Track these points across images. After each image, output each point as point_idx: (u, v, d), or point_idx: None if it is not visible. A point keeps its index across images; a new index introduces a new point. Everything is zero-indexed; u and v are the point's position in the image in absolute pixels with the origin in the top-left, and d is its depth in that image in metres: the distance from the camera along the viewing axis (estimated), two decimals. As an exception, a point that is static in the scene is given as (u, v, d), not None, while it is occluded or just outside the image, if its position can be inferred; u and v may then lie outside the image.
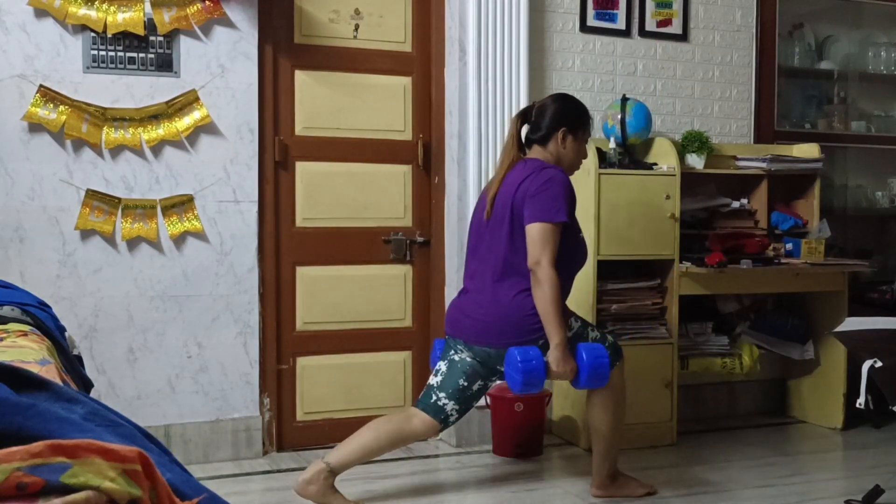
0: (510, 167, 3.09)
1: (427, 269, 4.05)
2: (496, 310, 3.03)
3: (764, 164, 4.19)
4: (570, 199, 3.01)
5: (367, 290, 3.97)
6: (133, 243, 3.54)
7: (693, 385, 4.38)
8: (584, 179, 3.85)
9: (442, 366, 3.16)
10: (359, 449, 3.09)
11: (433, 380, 3.16)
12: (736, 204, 4.25)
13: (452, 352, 3.15)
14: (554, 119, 3.12)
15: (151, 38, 3.53)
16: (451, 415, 3.12)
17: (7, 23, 3.35)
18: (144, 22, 3.48)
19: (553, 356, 2.92)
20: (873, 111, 5.07)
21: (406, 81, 4.00)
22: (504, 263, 3.02)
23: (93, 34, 3.45)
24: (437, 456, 3.83)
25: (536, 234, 2.92)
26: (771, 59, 4.58)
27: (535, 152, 3.15)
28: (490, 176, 3.90)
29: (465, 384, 3.10)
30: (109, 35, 3.46)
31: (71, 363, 2.10)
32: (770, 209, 4.32)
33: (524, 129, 3.18)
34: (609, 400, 3.18)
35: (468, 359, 3.11)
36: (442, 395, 3.11)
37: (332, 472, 3.06)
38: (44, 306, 2.33)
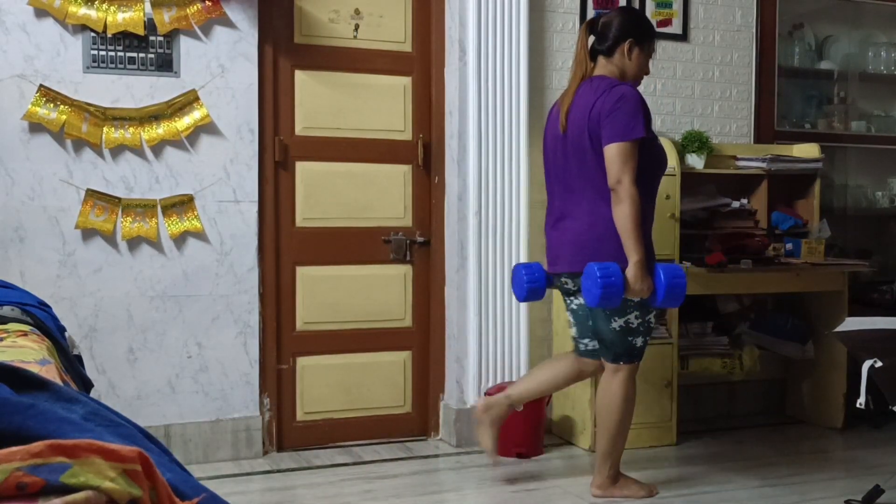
0: (581, 81, 3.15)
1: (427, 269, 4.05)
2: (590, 230, 3.08)
3: (764, 164, 4.19)
4: (645, 112, 3.07)
5: (367, 290, 3.97)
6: (133, 243, 3.54)
7: (693, 385, 4.38)
8: (584, 179, 3.85)
9: (570, 317, 3.33)
10: (537, 387, 3.38)
11: (572, 331, 3.35)
12: (736, 204, 4.25)
13: (568, 300, 3.29)
14: (621, 30, 3.16)
15: (151, 38, 3.53)
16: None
17: (7, 23, 3.35)
18: (144, 22, 3.48)
19: (632, 272, 2.96)
20: (873, 111, 5.07)
21: (406, 81, 4.00)
22: (589, 183, 3.07)
23: (93, 34, 3.45)
24: (437, 456, 3.83)
25: (616, 154, 2.97)
26: (771, 59, 4.58)
27: (601, 65, 3.19)
28: (490, 175, 3.90)
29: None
30: (109, 35, 3.46)
31: (71, 363, 2.10)
32: (770, 209, 4.32)
33: (590, 40, 3.22)
34: (617, 399, 3.19)
35: (583, 301, 3.16)
36: (585, 340, 3.28)
37: (512, 404, 3.34)
38: (44, 306, 2.33)
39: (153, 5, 3.49)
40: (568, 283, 3.22)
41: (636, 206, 2.95)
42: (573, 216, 3.13)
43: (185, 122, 3.55)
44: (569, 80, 3.30)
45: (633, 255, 2.96)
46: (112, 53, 3.48)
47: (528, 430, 3.79)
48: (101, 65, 3.47)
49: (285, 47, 3.80)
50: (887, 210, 5.04)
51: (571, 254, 3.12)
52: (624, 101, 3.00)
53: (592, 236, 3.07)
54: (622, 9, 3.33)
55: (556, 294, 4.10)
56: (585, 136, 3.05)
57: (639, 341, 3.19)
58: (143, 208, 3.52)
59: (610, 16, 3.24)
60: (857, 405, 3.10)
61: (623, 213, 2.95)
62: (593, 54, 3.20)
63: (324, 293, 3.90)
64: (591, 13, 4.19)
